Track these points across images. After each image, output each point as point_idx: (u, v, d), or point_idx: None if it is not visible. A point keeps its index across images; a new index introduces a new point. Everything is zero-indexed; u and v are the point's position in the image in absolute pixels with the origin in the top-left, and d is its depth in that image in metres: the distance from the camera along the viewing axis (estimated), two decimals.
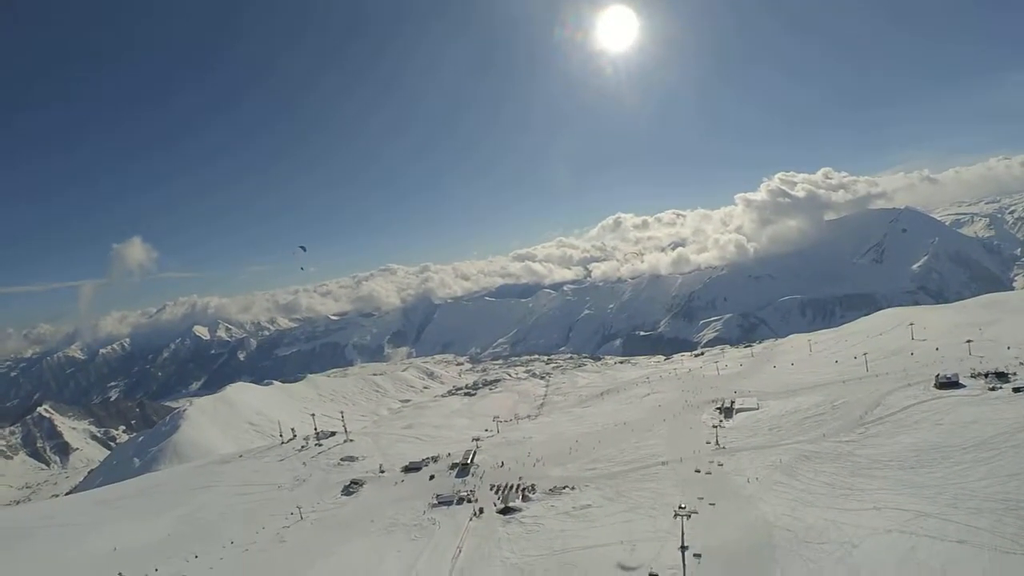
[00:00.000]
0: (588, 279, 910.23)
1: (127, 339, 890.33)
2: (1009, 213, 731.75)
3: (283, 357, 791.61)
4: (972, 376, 73.15)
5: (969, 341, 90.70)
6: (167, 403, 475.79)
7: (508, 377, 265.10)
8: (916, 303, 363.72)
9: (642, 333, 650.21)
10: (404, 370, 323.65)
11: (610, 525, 57.12)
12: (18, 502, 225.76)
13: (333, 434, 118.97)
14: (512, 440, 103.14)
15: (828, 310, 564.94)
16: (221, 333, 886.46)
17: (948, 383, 71.88)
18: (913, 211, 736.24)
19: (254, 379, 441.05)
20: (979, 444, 53.87)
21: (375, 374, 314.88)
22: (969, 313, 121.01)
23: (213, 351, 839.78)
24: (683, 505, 51.73)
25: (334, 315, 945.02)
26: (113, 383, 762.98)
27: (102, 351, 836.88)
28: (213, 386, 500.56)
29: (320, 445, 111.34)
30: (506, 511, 65.65)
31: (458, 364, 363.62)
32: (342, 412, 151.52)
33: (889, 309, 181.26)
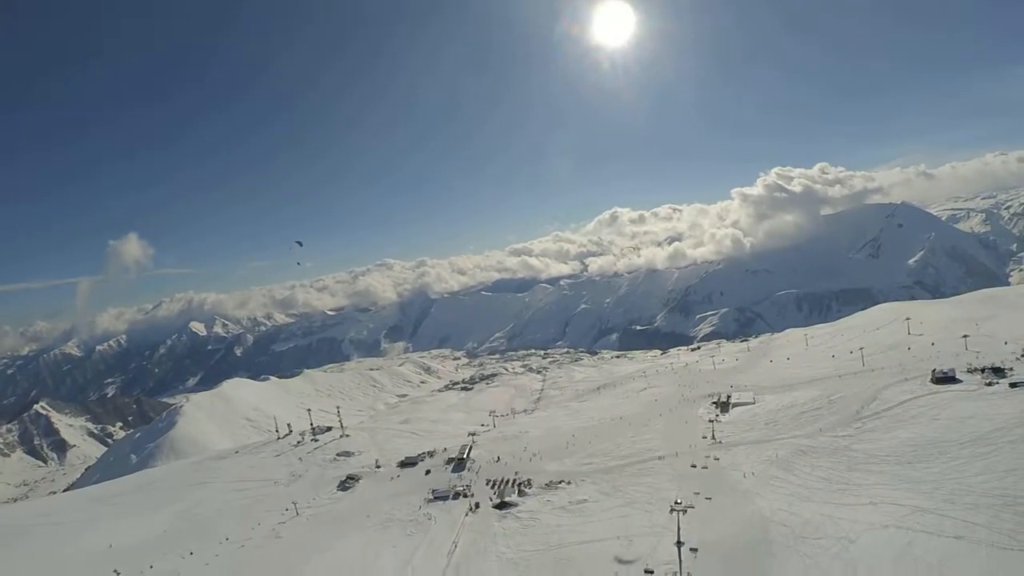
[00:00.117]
0: (584, 274, 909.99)
1: (123, 336, 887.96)
2: (1005, 208, 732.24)
3: (280, 352, 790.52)
4: (969, 371, 72.92)
5: (965, 336, 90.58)
6: (164, 399, 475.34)
7: (505, 372, 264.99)
8: (912, 298, 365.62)
9: (638, 327, 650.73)
10: (401, 365, 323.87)
11: (606, 520, 57.05)
12: (15, 500, 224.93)
13: (329, 429, 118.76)
14: (508, 435, 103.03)
15: (824, 305, 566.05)
16: (218, 329, 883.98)
17: (945, 378, 71.72)
18: (909, 206, 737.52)
19: (251, 375, 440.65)
20: (976, 439, 53.75)
21: (372, 369, 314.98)
22: (965, 308, 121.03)
23: (210, 347, 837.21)
24: (679, 500, 51.65)
25: (331, 310, 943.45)
26: (110, 380, 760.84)
27: (99, 348, 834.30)
28: (210, 382, 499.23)
29: (316, 440, 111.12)
30: (502, 506, 65.53)
31: (455, 359, 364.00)
32: (338, 407, 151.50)
33: (885, 304, 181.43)
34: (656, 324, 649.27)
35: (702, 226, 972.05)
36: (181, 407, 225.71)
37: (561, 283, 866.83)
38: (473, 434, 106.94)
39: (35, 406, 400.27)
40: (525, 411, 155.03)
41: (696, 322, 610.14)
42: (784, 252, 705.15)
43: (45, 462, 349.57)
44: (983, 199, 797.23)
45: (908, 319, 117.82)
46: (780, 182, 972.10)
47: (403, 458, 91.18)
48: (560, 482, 70.10)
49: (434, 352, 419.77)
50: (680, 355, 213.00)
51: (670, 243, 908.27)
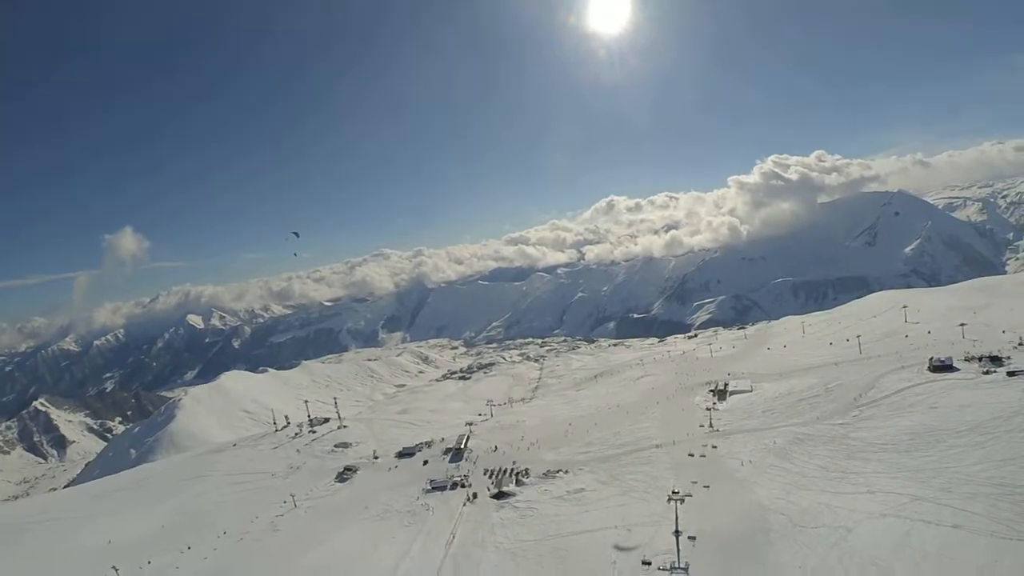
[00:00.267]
0: (581, 262, 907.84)
1: (121, 330, 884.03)
2: (1002, 197, 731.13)
3: (278, 344, 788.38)
4: (966, 360, 72.94)
5: (962, 324, 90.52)
6: (163, 393, 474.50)
7: (502, 361, 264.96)
8: (908, 286, 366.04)
9: (636, 316, 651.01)
10: (399, 355, 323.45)
11: (604, 509, 57.07)
12: (16, 497, 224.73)
13: (327, 421, 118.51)
14: (506, 424, 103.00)
15: (821, 292, 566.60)
16: (215, 321, 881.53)
17: (942, 366, 71.70)
18: (906, 194, 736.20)
19: (249, 367, 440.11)
20: (973, 428, 53.78)
21: (370, 359, 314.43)
22: (962, 296, 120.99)
23: (207, 340, 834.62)
24: (677, 490, 51.58)
25: (328, 301, 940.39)
26: (108, 374, 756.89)
27: (96, 343, 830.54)
28: (208, 375, 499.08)
29: (314, 432, 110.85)
30: (500, 496, 65.54)
31: (452, 348, 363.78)
32: (335, 398, 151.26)
33: (882, 292, 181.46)
34: (653, 312, 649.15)
35: (699, 214, 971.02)
36: (180, 401, 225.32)
37: (558, 272, 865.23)
38: (471, 424, 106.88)
39: (34, 403, 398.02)
40: (523, 400, 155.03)
41: (693, 310, 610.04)
42: (781, 240, 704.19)
43: (45, 459, 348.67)
44: (980, 188, 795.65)
45: (905, 307, 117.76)
46: (777, 170, 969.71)
47: (401, 449, 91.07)
48: (558, 471, 70.11)
49: (432, 342, 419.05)
50: (677, 343, 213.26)
51: (667, 231, 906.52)
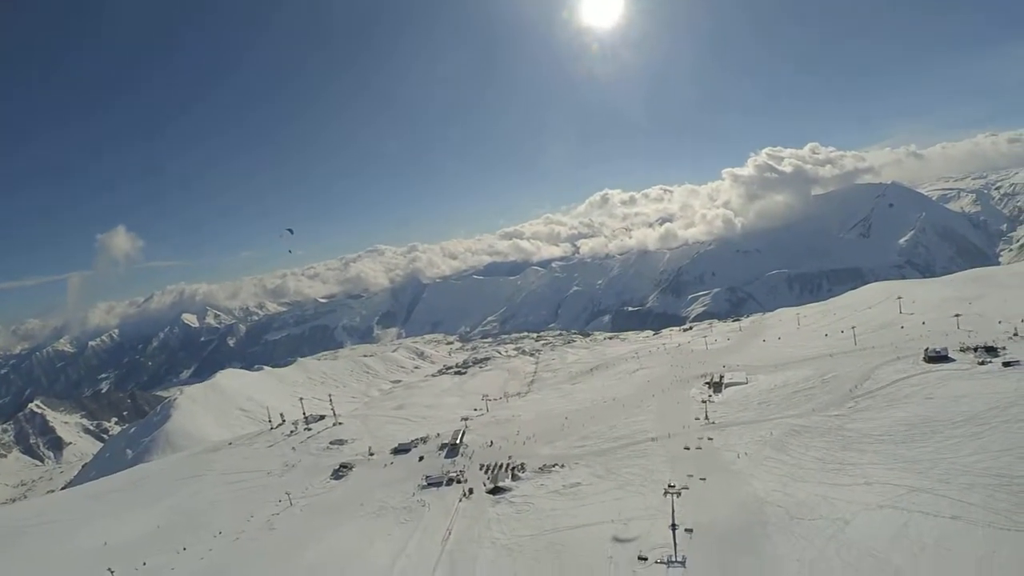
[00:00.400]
0: (576, 256, 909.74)
1: (116, 330, 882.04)
2: (995, 189, 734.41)
3: (273, 342, 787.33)
4: (961, 350, 73.00)
5: (957, 315, 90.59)
6: (158, 392, 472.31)
7: (498, 355, 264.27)
8: (903, 277, 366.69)
9: (631, 309, 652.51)
10: (394, 351, 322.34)
11: (600, 503, 56.81)
12: (14, 500, 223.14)
13: (322, 418, 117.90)
14: (501, 419, 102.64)
15: (815, 284, 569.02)
16: (210, 320, 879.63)
17: (937, 357, 71.74)
18: (900, 186, 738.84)
19: (244, 365, 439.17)
20: (970, 419, 53.72)
21: (365, 355, 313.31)
22: (957, 287, 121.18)
23: (203, 338, 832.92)
24: (673, 484, 51.44)
25: (323, 298, 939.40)
26: (104, 375, 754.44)
27: (91, 343, 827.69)
28: (204, 373, 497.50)
29: (309, 429, 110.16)
30: (495, 491, 65.22)
31: (448, 343, 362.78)
32: (330, 395, 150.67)
33: (876, 283, 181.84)
34: (648, 305, 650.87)
35: (693, 207, 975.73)
36: (175, 400, 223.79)
37: (553, 265, 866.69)
38: (466, 419, 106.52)
39: (30, 405, 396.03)
40: (518, 394, 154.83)
41: (688, 302, 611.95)
42: (775, 232, 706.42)
43: (42, 461, 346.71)
44: (974, 179, 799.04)
45: (900, 298, 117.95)
46: (771, 162, 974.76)
47: (396, 445, 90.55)
48: (554, 465, 69.83)
49: (427, 337, 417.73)
50: (672, 336, 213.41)
51: (661, 224, 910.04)
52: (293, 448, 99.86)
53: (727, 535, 45.75)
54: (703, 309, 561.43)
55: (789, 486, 51.08)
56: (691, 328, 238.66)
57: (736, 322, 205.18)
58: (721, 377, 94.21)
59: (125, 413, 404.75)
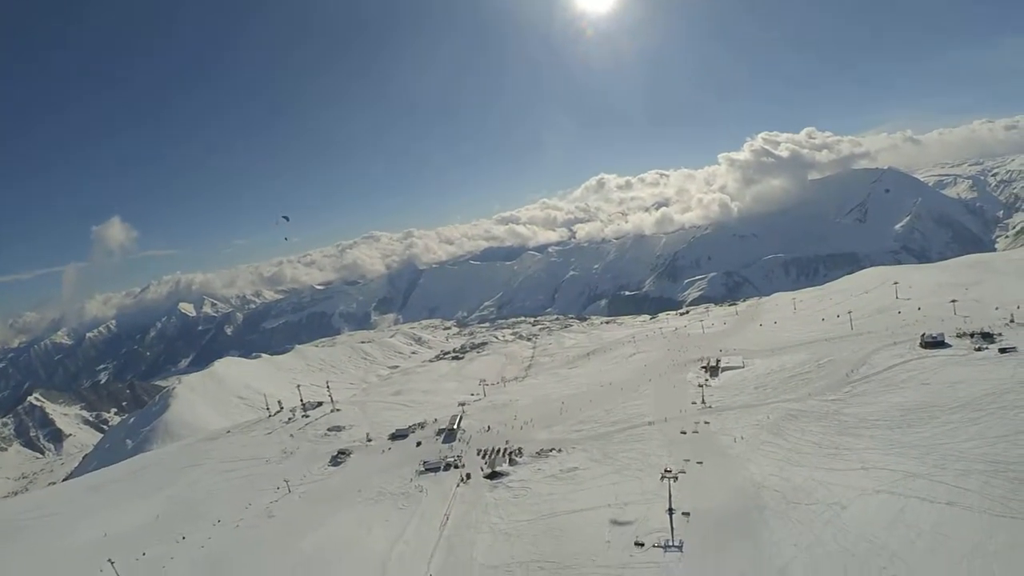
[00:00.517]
0: (572, 240, 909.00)
1: (113, 321, 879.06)
2: (992, 176, 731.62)
3: (270, 329, 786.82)
4: (958, 336, 72.91)
5: (954, 301, 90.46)
6: (157, 382, 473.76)
7: (495, 340, 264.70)
8: (898, 262, 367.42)
9: (627, 293, 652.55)
10: (391, 336, 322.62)
11: (597, 488, 57.04)
12: (16, 493, 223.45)
13: (320, 404, 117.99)
14: (498, 403, 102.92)
15: (811, 269, 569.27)
16: (207, 309, 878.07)
17: (934, 343, 71.67)
18: (896, 171, 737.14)
19: (242, 353, 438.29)
20: (966, 404, 53.74)
21: (363, 342, 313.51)
22: (953, 273, 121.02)
23: (200, 327, 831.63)
24: (669, 468, 51.63)
25: (319, 285, 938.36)
26: (102, 366, 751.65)
27: (89, 335, 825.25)
28: (202, 362, 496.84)
29: (307, 416, 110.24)
30: (493, 476, 65.52)
31: (445, 328, 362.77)
32: (327, 382, 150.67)
33: (872, 268, 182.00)
34: (645, 289, 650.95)
35: (689, 191, 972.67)
36: (174, 389, 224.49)
37: (549, 250, 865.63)
38: (463, 404, 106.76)
39: (29, 398, 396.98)
40: (516, 379, 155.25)
41: (684, 287, 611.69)
42: (772, 217, 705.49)
43: (43, 453, 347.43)
44: (970, 166, 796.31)
45: (896, 283, 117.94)
46: (767, 147, 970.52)
47: (394, 431, 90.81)
48: (551, 450, 70.10)
49: (424, 323, 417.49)
50: (669, 320, 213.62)
51: (657, 208, 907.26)
52: (291, 435, 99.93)
53: (724, 519, 45.95)
54: (699, 293, 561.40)
55: (786, 470, 51.27)
56: (687, 312, 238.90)
57: (732, 306, 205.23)
58: (718, 361, 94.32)
59: (124, 404, 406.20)
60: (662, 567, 41.74)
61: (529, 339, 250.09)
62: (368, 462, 79.42)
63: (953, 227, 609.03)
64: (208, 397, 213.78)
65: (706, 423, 67.71)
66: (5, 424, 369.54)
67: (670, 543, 44.19)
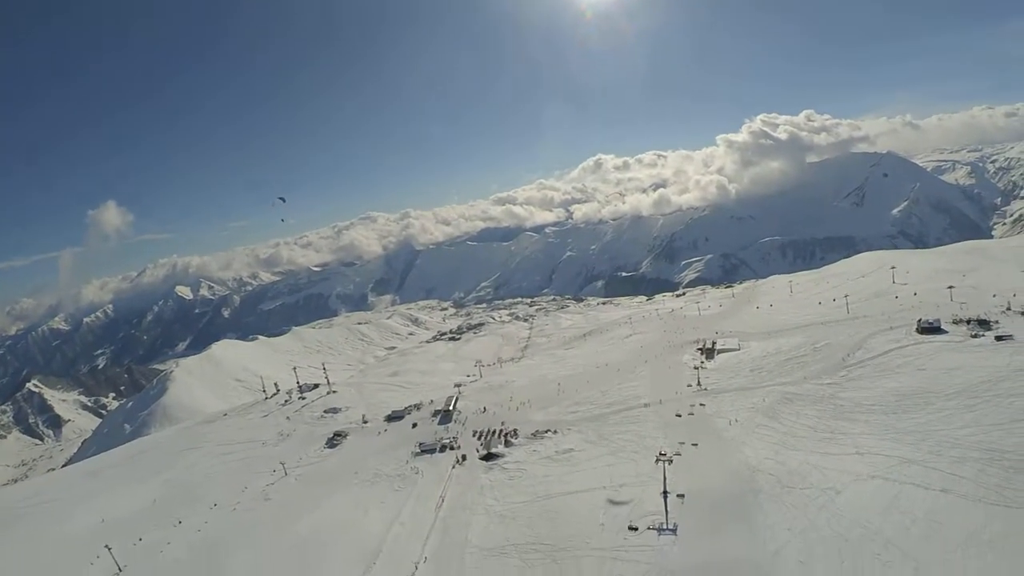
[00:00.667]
0: (570, 221, 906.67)
1: (110, 305, 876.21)
2: (991, 162, 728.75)
3: (267, 311, 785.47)
4: (954, 322, 72.79)
5: (950, 287, 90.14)
6: (155, 366, 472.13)
7: (492, 321, 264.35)
8: (895, 247, 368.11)
9: (624, 274, 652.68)
10: (388, 318, 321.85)
11: (592, 469, 57.28)
12: (16, 480, 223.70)
13: (316, 386, 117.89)
14: (494, 385, 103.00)
15: (808, 252, 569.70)
16: (204, 292, 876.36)
17: (930, 328, 71.50)
18: (895, 156, 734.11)
19: (239, 335, 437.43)
20: (962, 391, 53.76)
21: (360, 323, 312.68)
22: (950, 259, 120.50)
23: (197, 310, 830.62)
24: (664, 452, 51.74)
25: (316, 266, 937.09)
26: (100, 351, 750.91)
27: (86, 320, 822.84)
28: (199, 345, 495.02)
29: (303, 399, 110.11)
30: (489, 457, 65.72)
31: (442, 309, 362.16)
32: (323, 364, 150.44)
33: (870, 252, 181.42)
34: (641, 270, 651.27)
35: (687, 173, 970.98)
36: (171, 373, 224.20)
37: (546, 231, 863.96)
38: (459, 385, 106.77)
39: (27, 385, 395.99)
40: (512, 360, 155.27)
41: (681, 268, 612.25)
42: (769, 199, 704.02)
43: (42, 439, 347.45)
44: (969, 152, 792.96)
45: (893, 268, 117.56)
46: (766, 129, 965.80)
47: (390, 412, 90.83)
48: (546, 431, 70.30)
49: (421, 303, 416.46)
50: (665, 301, 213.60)
51: (655, 190, 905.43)
52: (288, 417, 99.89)
53: (719, 502, 46.15)
54: (696, 275, 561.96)
55: (781, 454, 51.42)
56: (684, 294, 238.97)
57: (729, 288, 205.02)
58: (714, 343, 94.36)
59: (122, 388, 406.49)
60: (656, 550, 41.95)
61: (526, 320, 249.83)
62: (364, 444, 79.49)
63: (951, 213, 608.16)
64: (206, 380, 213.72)
65: (701, 405, 67.87)
66: (4, 411, 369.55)
67: (664, 526, 44.36)
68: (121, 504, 73.02)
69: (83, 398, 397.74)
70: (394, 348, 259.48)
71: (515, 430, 72.56)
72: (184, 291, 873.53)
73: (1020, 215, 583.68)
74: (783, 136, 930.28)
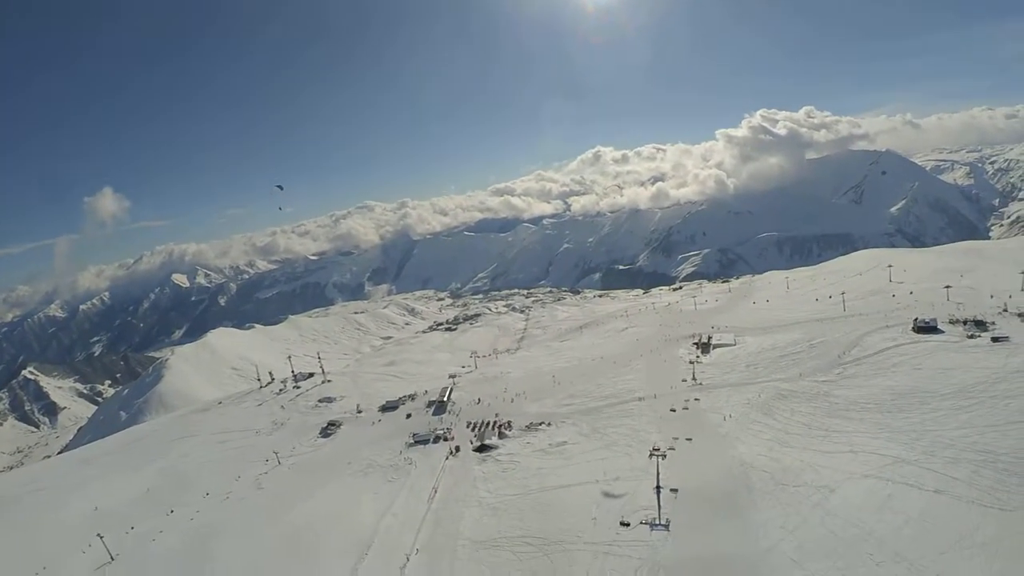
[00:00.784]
0: (567, 213, 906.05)
1: (106, 293, 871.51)
2: (990, 163, 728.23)
3: (264, 300, 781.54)
4: (951, 322, 72.68)
5: (947, 287, 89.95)
6: (151, 354, 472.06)
7: (488, 312, 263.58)
8: (892, 245, 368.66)
9: (621, 267, 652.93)
10: (385, 307, 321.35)
11: (586, 463, 57.14)
12: (12, 468, 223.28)
13: (311, 375, 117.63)
14: (490, 376, 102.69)
15: (805, 248, 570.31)
16: (200, 279, 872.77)
17: (926, 328, 71.34)
18: (894, 154, 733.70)
19: (236, 324, 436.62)
20: (957, 392, 53.70)
21: (356, 312, 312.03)
22: (947, 259, 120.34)
23: (193, 298, 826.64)
24: (658, 447, 51.61)
25: (313, 255, 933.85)
26: (96, 338, 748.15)
27: (82, 307, 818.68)
28: (195, 333, 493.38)
29: (298, 387, 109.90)
30: (482, 449, 65.60)
31: (439, 299, 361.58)
32: (318, 353, 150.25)
33: (867, 250, 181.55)
34: (638, 264, 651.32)
35: (686, 166, 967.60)
36: (167, 361, 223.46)
37: (544, 222, 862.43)
38: (454, 376, 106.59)
39: (23, 372, 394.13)
40: (508, 351, 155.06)
41: (678, 262, 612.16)
42: (767, 195, 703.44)
43: (37, 427, 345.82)
44: (968, 152, 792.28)
45: (890, 266, 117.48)
46: (765, 124, 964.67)
47: (384, 402, 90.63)
48: (540, 424, 70.17)
49: (418, 294, 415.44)
50: (662, 295, 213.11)
51: (653, 183, 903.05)
52: (282, 407, 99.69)
53: (712, 498, 46.11)
54: (693, 269, 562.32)
55: (775, 451, 51.38)
56: (681, 288, 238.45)
57: (726, 283, 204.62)
58: (709, 338, 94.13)
59: (118, 375, 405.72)
60: (648, 546, 41.86)
61: (522, 311, 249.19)
62: (358, 434, 79.33)
63: (948, 213, 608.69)
64: (201, 368, 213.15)
65: (696, 400, 67.77)
66: (0, 399, 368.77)
67: (657, 522, 44.28)
68: (114, 492, 72.89)
69: (79, 385, 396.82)
70: (390, 338, 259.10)
71: (509, 422, 72.42)
72: (180, 279, 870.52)
73: (1018, 217, 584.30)
74: (783, 132, 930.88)
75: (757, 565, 37.70)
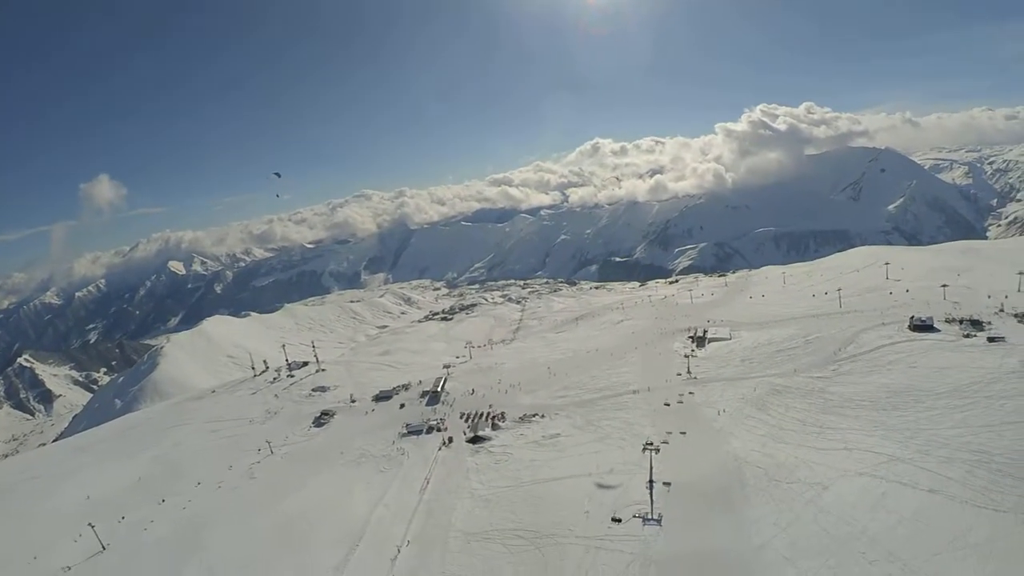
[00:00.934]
0: (565, 204, 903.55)
1: (102, 280, 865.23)
2: (988, 164, 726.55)
3: (260, 288, 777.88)
4: (947, 321, 72.71)
5: (944, 286, 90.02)
6: (146, 341, 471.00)
7: (485, 302, 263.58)
8: (889, 243, 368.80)
9: (618, 259, 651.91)
10: (381, 296, 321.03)
11: (579, 456, 56.95)
12: (7, 456, 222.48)
13: (305, 364, 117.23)
14: (484, 366, 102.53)
15: (802, 244, 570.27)
16: (196, 267, 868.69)
17: (922, 326, 71.39)
18: (893, 152, 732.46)
19: (232, 311, 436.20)
20: (953, 391, 53.60)
21: (352, 301, 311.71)
22: (945, 258, 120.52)
23: (189, 286, 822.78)
24: (651, 441, 51.41)
25: (310, 243, 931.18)
26: (91, 326, 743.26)
27: (78, 294, 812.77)
28: (191, 321, 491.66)
29: (292, 376, 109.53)
30: (475, 440, 65.39)
31: (435, 289, 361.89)
32: (312, 342, 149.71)
33: (864, 247, 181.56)
34: (635, 256, 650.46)
35: (684, 160, 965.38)
36: (162, 348, 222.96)
37: (542, 213, 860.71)
38: (448, 366, 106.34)
39: (19, 359, 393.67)
40: (503, 342, 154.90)
41: (675, 255, 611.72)
42: (765, 189, 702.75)
43: (33, 415, 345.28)
44: (967, 152, 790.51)
45: (887, 264, 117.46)
46: (765, 119, 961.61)
47: (378, 392, 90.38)
48: (534, 415, 70.03)
49: (414, 283, 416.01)
50: (658, 288, 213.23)
51: (652, 176, 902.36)
52: (276, 395, 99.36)
53: (705, 493, 45.97)
54: (690, 263, 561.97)
55: (769, 446, 51.23)
56: (677, 281, 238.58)
57: (722, 277, 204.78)
58: (705, 332, 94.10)
59: (114, 363, 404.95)
60: (640, 540, 41.67)
61: (518, 302, 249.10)
62: (351, 424, 79.05)
63: (946, 212, 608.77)
64: (197, 356, 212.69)
65: (690, 394, 67.69)
66: None
67: (649, 516, 44.13)
68: (107, 481, 72.49)
69: (74, 373, 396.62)
70: (386, 327, 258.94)
71: (503, 413, 72.27)
72: (177, 266, 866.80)
73: (1016, 217, 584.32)
74: (782, 127, 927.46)
75: (749, 562, 37.53)
